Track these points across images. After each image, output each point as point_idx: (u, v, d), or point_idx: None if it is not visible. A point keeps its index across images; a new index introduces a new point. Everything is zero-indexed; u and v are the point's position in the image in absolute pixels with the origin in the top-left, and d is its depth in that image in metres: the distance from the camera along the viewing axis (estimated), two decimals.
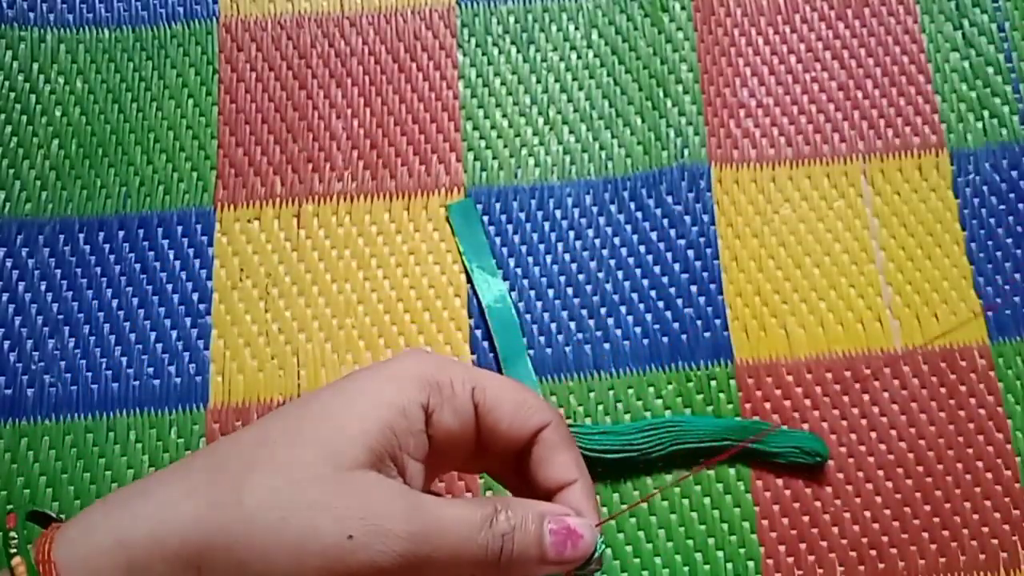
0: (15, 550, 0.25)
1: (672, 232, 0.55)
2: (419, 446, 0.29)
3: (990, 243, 0.54)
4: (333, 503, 0.26)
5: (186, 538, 0.25)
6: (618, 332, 0.53)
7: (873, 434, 0.51)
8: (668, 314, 0.53)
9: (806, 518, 0.49)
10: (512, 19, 0.59)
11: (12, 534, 0.25)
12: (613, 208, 0.55)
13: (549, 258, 0.54)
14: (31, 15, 0.59)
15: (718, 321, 0.53)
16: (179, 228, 0.55)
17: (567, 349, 0.52)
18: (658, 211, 0.55)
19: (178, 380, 0.52)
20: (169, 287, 0.54)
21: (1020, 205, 0.55)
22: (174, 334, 0.53)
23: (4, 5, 0.59)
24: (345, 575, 0.25)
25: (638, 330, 0.53)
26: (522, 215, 0.55)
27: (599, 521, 0.31)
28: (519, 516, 0.27)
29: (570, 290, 0.54)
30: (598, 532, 0.30)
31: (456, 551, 0.26)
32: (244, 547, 0.25)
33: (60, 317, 0.53)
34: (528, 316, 0.53)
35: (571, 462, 0.31)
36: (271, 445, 0.27)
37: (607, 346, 0.52)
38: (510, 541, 0.27)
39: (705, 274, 0.54)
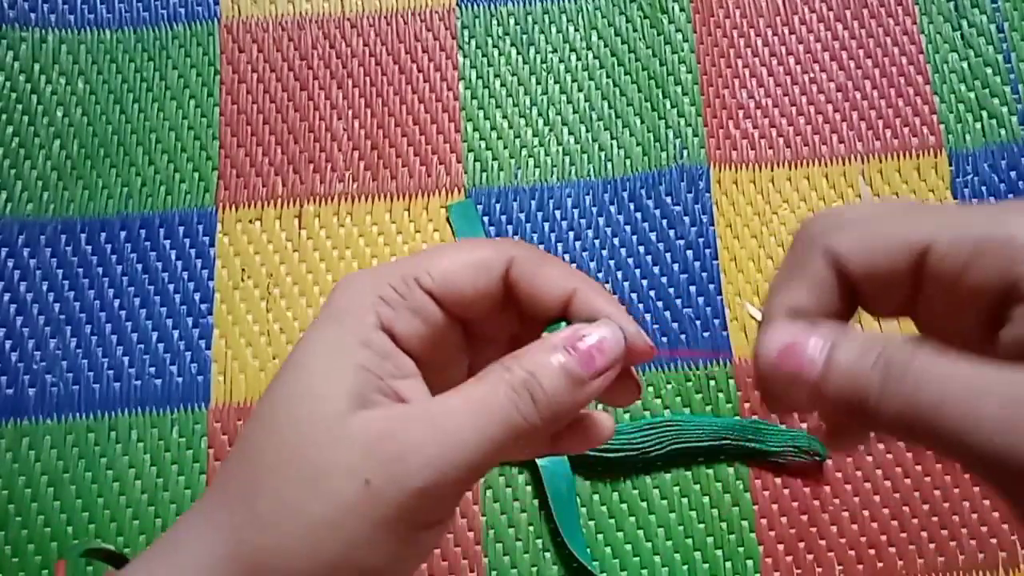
0: None
1: (671, 233, 0.55)
2: (401, 365, 0.26)
3: None
4: (338, 460, 0.24)
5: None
6: None
7: (871, 433, 0.51)
8: (667, 314, 0.53)
9: (804, 517, 0.50)
10: (512, 21, 0.59)
11: None
12: (612, 209, 0.55)
13: None
14: (32, 16, 0.59)
15: (717, 321, 0.53)
16: (181, 228, 0.55)
17: None
18: (657, 212, 0.55)
19: (180, 380, 0.52)
20: (171, 287, 0.54)
21: None
22: (176, 334, 0.53)
23: (5, 6, 0.59)
24: (393, 523, 0.23)
25: None
26: (522, 215, 0.55)
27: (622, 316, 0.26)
28: (529, 358, 0.25)
29: None
30: (623, 327, 0.26)
31: (485, 428, 0.23)
32: (277, 555, 0.24)
33: (62, 317, 0.53)
34: None
35: (558, 273, 0.27)
36: (260, 451, 0.26)
37: None
38: (535, 385, 0.24)
39: (704, 274, 0.54)
